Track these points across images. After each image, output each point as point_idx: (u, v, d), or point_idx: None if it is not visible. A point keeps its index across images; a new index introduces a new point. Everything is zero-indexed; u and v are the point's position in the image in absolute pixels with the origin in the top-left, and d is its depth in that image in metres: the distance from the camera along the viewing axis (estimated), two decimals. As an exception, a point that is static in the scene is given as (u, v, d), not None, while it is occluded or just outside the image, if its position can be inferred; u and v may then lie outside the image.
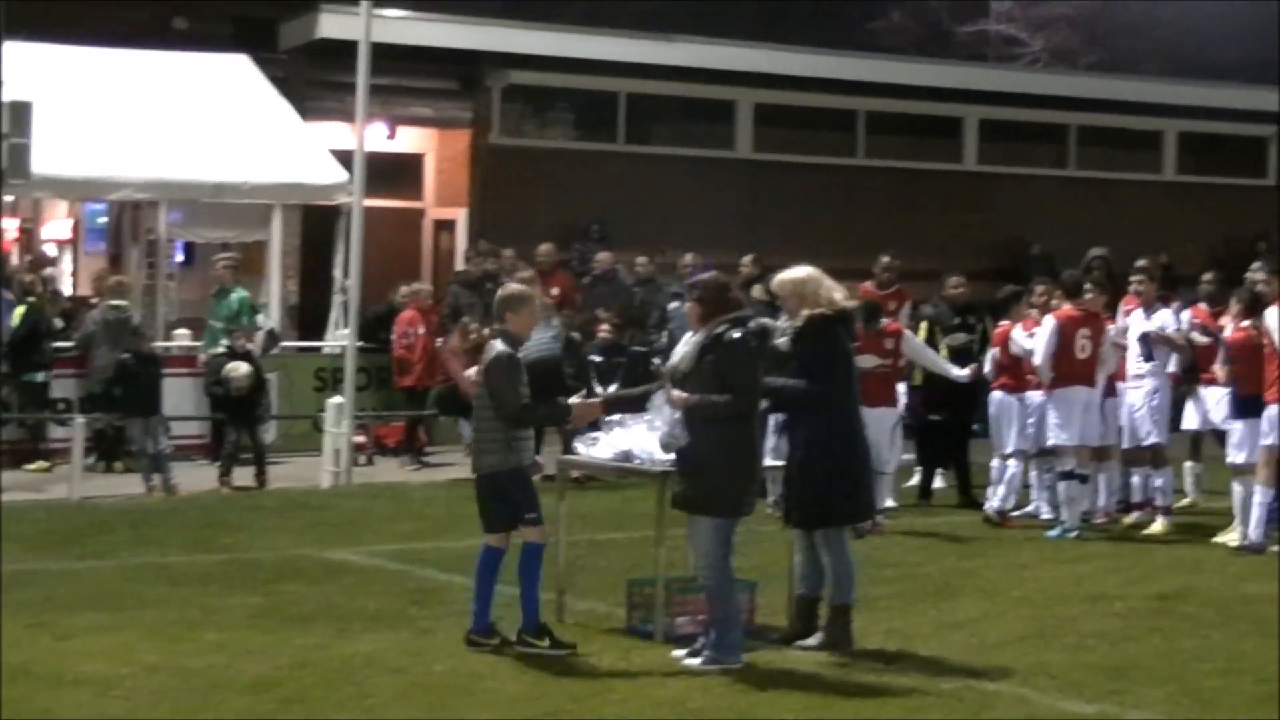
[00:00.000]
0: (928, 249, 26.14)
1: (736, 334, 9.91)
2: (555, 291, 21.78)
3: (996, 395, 16.14)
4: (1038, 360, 15.37)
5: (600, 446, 11.09)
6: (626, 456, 10.85)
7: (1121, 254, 21.29)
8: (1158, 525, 15.71)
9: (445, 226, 26.14)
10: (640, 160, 26.69)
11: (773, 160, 27.61)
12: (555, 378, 16.25)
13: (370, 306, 21.14)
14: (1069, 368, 15.39)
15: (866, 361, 14.27)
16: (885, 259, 18.95)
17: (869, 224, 26.71)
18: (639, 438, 10.70)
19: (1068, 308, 15.63)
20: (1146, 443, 15.83)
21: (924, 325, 17.64)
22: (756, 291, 18.83)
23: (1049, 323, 15.46)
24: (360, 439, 19.82)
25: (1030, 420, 15.91)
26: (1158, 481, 15.90)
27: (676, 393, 9.92)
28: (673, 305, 20.32)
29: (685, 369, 9.96)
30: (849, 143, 28.55)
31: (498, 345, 10.22)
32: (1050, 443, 15.63)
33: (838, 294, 10.64)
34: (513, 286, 10.75)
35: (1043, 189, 29.57)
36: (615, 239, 24.75)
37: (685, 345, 10.13)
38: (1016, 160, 29.89)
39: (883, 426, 15.13)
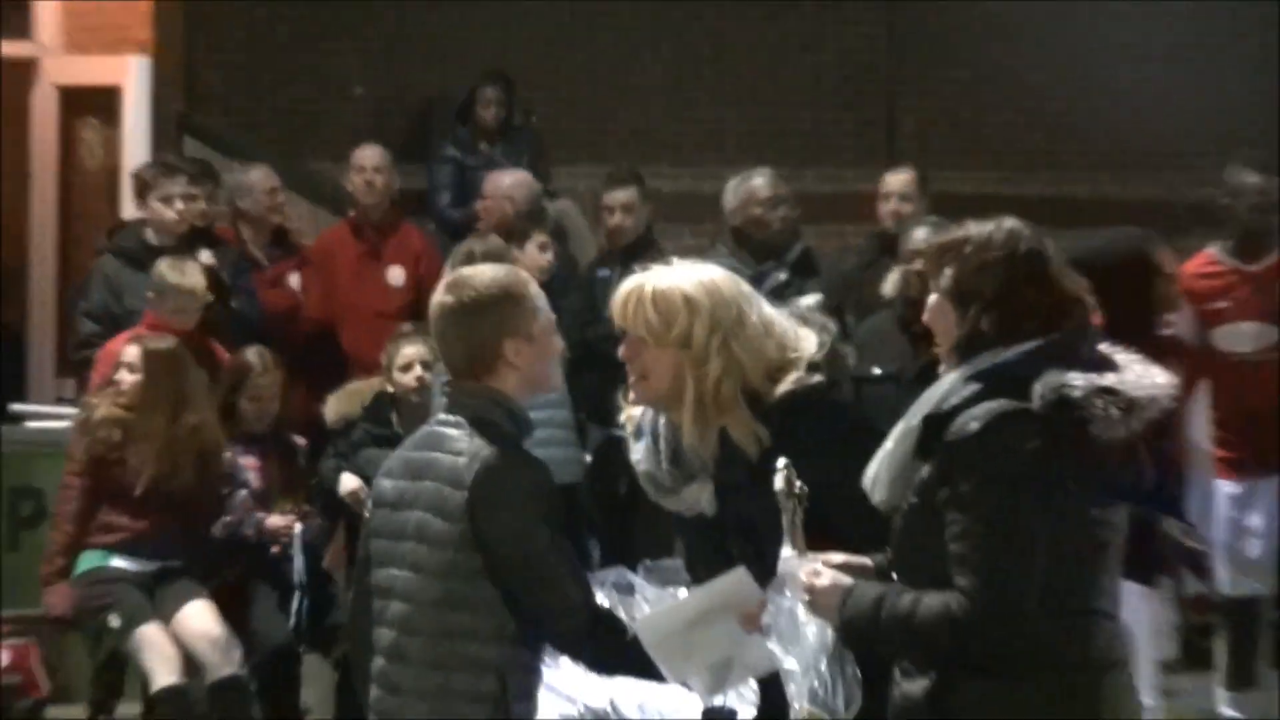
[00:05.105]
0: None
1: (1023, 419, 3.72)
2: (397, 279, 10.42)
3: None
4: None
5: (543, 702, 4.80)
6: None
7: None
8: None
9: (91, 103, 11.98)
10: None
11: None
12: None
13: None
14: None
15: None
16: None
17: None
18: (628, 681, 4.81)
19: None
20: None
21: None
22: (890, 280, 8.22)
23: None
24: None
25: None
26: None
27: (797, 560, 4.05)
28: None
29: (888, 496, 3.98)
30: None
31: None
32: None
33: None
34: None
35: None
36: (549, 130, 11.76)
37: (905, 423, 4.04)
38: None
39: None
